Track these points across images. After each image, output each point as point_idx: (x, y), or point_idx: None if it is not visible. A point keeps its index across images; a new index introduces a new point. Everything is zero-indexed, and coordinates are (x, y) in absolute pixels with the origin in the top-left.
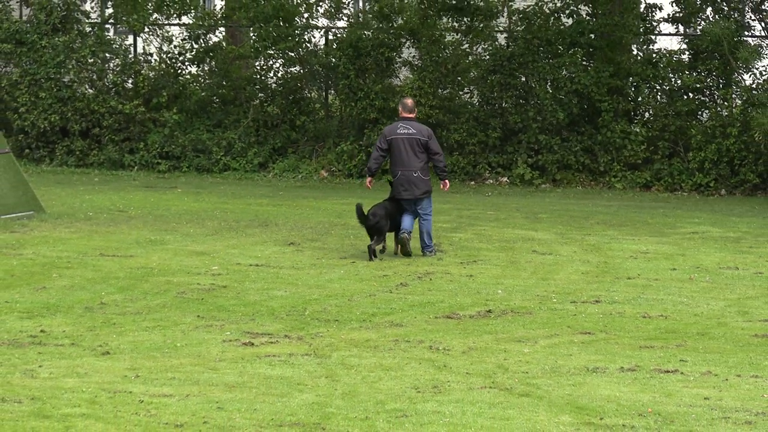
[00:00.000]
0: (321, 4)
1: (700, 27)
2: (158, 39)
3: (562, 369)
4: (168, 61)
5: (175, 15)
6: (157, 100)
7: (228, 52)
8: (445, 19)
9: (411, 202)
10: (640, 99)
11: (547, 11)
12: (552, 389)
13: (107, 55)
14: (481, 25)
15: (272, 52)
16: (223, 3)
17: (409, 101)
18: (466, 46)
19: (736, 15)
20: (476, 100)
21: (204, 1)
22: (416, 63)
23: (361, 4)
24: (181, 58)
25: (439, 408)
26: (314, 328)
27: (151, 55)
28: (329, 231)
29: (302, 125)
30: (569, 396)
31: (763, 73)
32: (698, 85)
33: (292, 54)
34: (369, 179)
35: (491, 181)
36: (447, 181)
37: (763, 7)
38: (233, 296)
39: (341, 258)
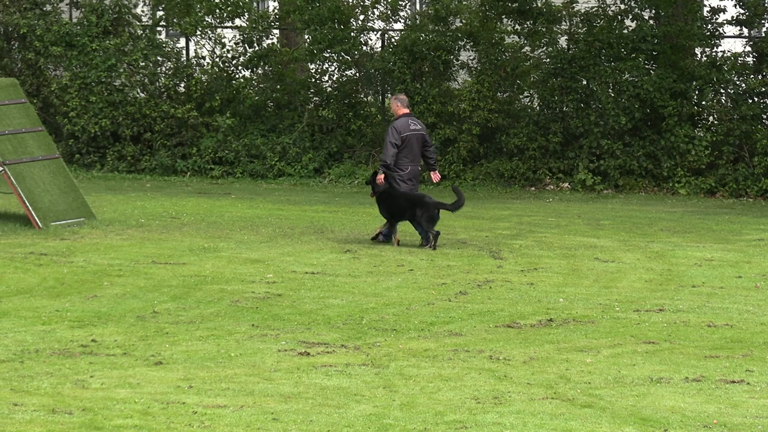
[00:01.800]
0: (377, 6)
1: (765, 29)
2: (211, 42)
3: (626, 379)
4: (221, 65)
5: (227, 18)
6: (210, 104)
7: (282, 55)
8: (506, 21)
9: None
10: (704, 103)
11: (610, 14)
12: (615, 400)
13: (159, 58)
14: (543, 27)
15: (328, 55)
16: (277, 5)
17: (406, 96)
18: (527, 49)
19: None
20: (536, 103)
21: (257, 4)
22: (474, 66)
23: (418, 5)
24: (234, 62)
25: (499, 419)
26: (371, 338)
27: (203, 58)
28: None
29: (358, 130)
30: (632, 407)
31: None
32: (763, 89)
33: (348, 57)
34: (383, 175)
35: (552, 187)
36: (437, 171)
37: None
38: (288, 305)
39: (399, 266)
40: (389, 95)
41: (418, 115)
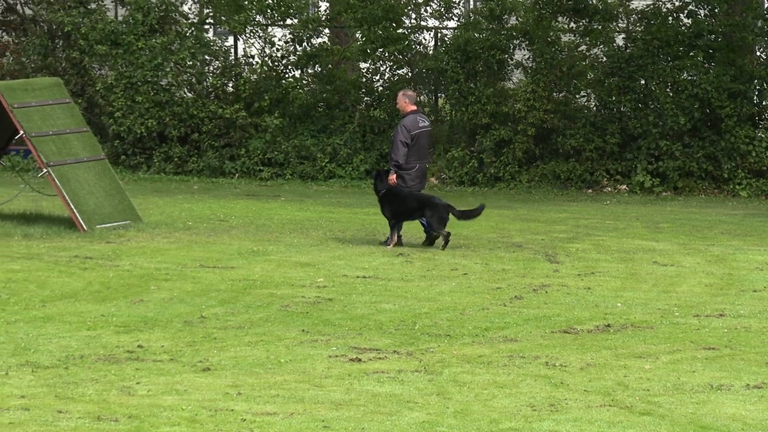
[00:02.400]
0: (430, 3)
1: None
2: (260, 41)
3: (685, 386)
4: (270, 64)
5: (279, 18)
6: (259, 105)
7: (333, 54)
8: (561, 19)
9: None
10: (764, 103)
11: (665, 11)
12: (674, 407)
13: (207, 57)
14: (599, 26)
15: (380, 54)
16: (328, 4)
17: (413, 92)
18: (583, 47)
19: None
20: (593, 104)
21: (308, 2)
22: (529, 65)
23: (471, 3)
24: (284, 61)
25: (556, 427)
26: (425, 343)
27: (252, 57)
28: (440, 241)
29: None
30: (692, 415)
31: None
32: None
33: (400, 56)
34: (395, 175)
35: (609, 189)
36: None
37: None
38: (339, 309)
39: (452, 270)
40: (442, 95)
41: (471, 116)
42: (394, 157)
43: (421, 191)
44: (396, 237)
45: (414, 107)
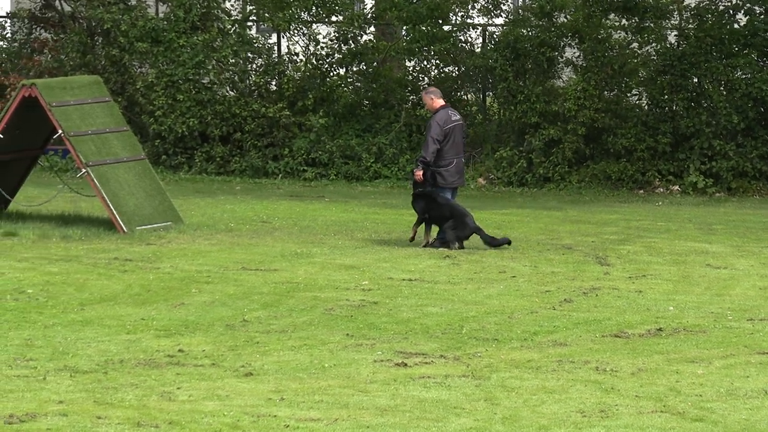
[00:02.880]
0: (478, 0)
1: None
2: (305, 38)
3: (739, 392)
4: (315, 62)
5: (324, 15)
6: (303, 103)
7: (379, 52)
8: (612, 16)
9: (455, 191)
10: None
11: (721, 8)
12: (728, 413)
13: (249, 54)
14: (651, 23)
15: (427, 53)
16: (374, 2)
17: (435, 88)
18: (635, 45)
19: None
20: (645, 102)
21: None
22: (580, 63)
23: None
24: (329, 59)
25: None
26: (472, 348)
27: (296, 54)
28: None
29: None
30: (746, 421)
31: None
32: None
33: (447, 54)
34: (421, 171)
35: (661, 190)
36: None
37: None
38: (385, 313)
39: (500, 272)
40: (490, 93)
41: (520, 115)
42: (424, 154)
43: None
44: (417, 229)
45: (442, 102)
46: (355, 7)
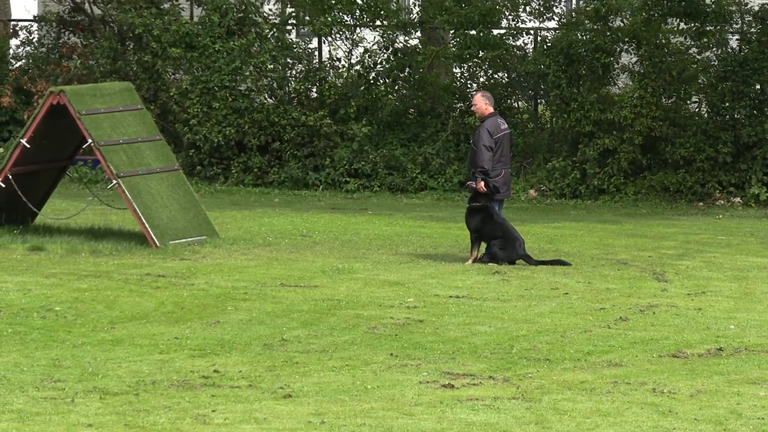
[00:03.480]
0: (530, 3)
1: None
2: (347, 43)
3: None
4: (358, 68)
5: (368, 20)
6: (345, 111)
7: (425, 57)
8: (671, 20)
9: (501, 203)
10: None
11: None
12: None
13: (289, 60)
14: (712, 27)
15: (477, 59)
16: (420, 7)
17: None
18: (694, 50)
19: None
20: (705, 110)
21: (399, 5)
22: (637, 70)
23: (574, 2)
24: (372, 65)
25: None
26: (522, 369)
27: (338, 60)
28: (540, 257)
29: None
30: None
31: None
32: None
33: (497, 60)
34: (482, 182)
35: (722, 202)
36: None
37: None
38: (431, 332)
39: (552, 289)
40: (542, 101)
41: (573, 123)
42: (480, 163)
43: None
44: (476, 252)
45: (492, 109)
46: (401, 11)
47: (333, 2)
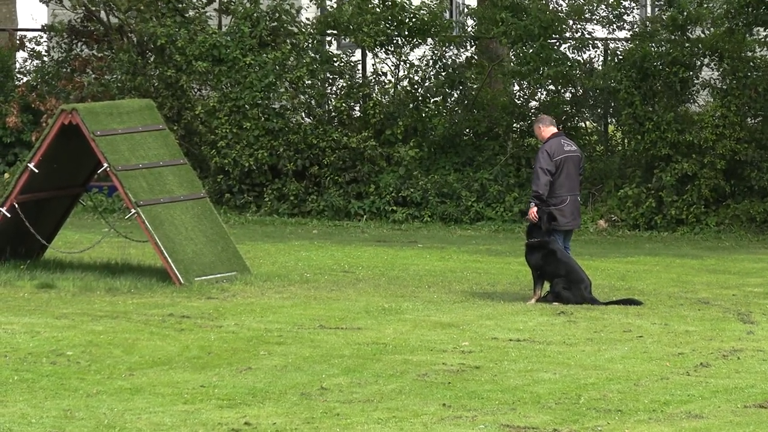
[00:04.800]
0: (597, 10)
1: None
2: (393, 56)
3: None
4: (406, 84)
5: (416, 34)
6: (392, 132)
7: (481, 73)
8: (758, 31)
9: (568, 234)
10: None
11: None
12: None
13: (328, 75)
14: None
15: (539, 75)
16: (474, 19)
17: (548, 116)
18: None
19: None
20: None
21: (450, 14)
22: (719, 86)
23: (649, 10)
24: (421, 81)
25: None
26: (591, 420)
27: (384, 75)
28: (609, 297)
29: None
30: None
31: None
32: None
33: (562, 75)
34: (535, 209)
35: None
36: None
37: None
38: (488, 379)
39: (625, 331)
40: (613, 120)
41: (648, 145)
42: (534, 188)
43: (573, 229)
44: (540, 291)
45: (554, 129)
46: (453, 26)
47: (377, 10)
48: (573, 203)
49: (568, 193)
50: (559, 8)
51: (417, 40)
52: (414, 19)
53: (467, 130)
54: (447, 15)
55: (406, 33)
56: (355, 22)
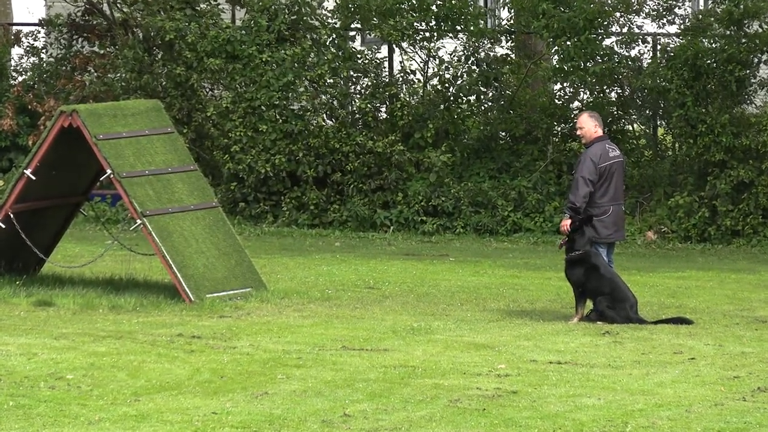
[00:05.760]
0: (646, 3)
1: None
2: (423, 53)
3: None
4: (436, 83)
5: (447, 27)
6: (421, 135)
7: (518, 71)
8: None
9: (612, 247)
10: None
11: None
12: None
13: (352, 73)
14: None
15: (582, 72)
16: (511, 11)
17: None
18: None
19: None
20: None
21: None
22: None
23: (702, 2)
24: (453, 79)
25: None
26: None
27: (413, 73)
28: (658, 315)
29: None
30: None
31: None
32: None
33: (608, 74)
34: (569, 220)
35: None
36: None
37: None
38: (527, 405)
39: (675, 353)
40: (662, 122)
41: (701, 150)
42: (572, 198)
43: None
44: (583, 310)
45: (601, 132)
46: (487, 18)
47: (404, 6)
48: (616, 213)
49: (612, 202)
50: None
51: (445, 30)
52: (440, 4)
53: (503, 133)
54: (481, 2)
55: (433, 22)
56: (376, 4)
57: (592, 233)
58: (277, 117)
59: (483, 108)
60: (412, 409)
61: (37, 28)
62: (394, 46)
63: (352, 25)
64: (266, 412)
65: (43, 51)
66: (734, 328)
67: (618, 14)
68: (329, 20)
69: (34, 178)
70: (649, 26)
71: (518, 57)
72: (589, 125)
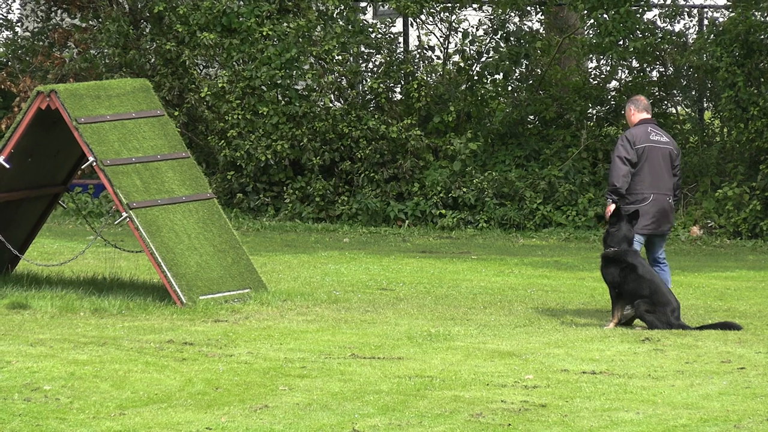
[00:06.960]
0: None
1: None
2: (444, 27)
3: None
4: (457, 60)
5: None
6: (441, 119)
7: (549, 48)
8: None
9: (657, 240)
10: None
11: None
12: None
13: (363, 49)
14: None
15: (621, 50)
16: None
17: (643, 97)
18: None
19: None
20: None
21: None
22: None
23: None
24: (477, 56)
25: None
26: None
27: (431, 49)
28: (704, 319)
29: None
30: None
31: None
32: None
33: (649, 51)
34: (612, 205)
35: None
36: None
37: None
38: (557, 420)
39: (723, 362)
40: (710, 105)
41: (752, 135)
42: (612, 180)
43: (664, 234)
44: (620, 313)
45: (645, 115)
46: None
47: None
48: (657, 203)
49: (651, 190)
50: None
51: (470, 2)
52: None
53: (532, 116)
54: None
55: None
56: None
57: (626, 230)
58: (279, 98)
59: (510, 88)
60: (429, 424)
61: None
62: (410, 18)
63: None
64: (266, 427)
65: (18, 24)
66: None
67: None
68: None
69: (7, 166)
70: None
71: (550, 31)
72: (627, 113)
